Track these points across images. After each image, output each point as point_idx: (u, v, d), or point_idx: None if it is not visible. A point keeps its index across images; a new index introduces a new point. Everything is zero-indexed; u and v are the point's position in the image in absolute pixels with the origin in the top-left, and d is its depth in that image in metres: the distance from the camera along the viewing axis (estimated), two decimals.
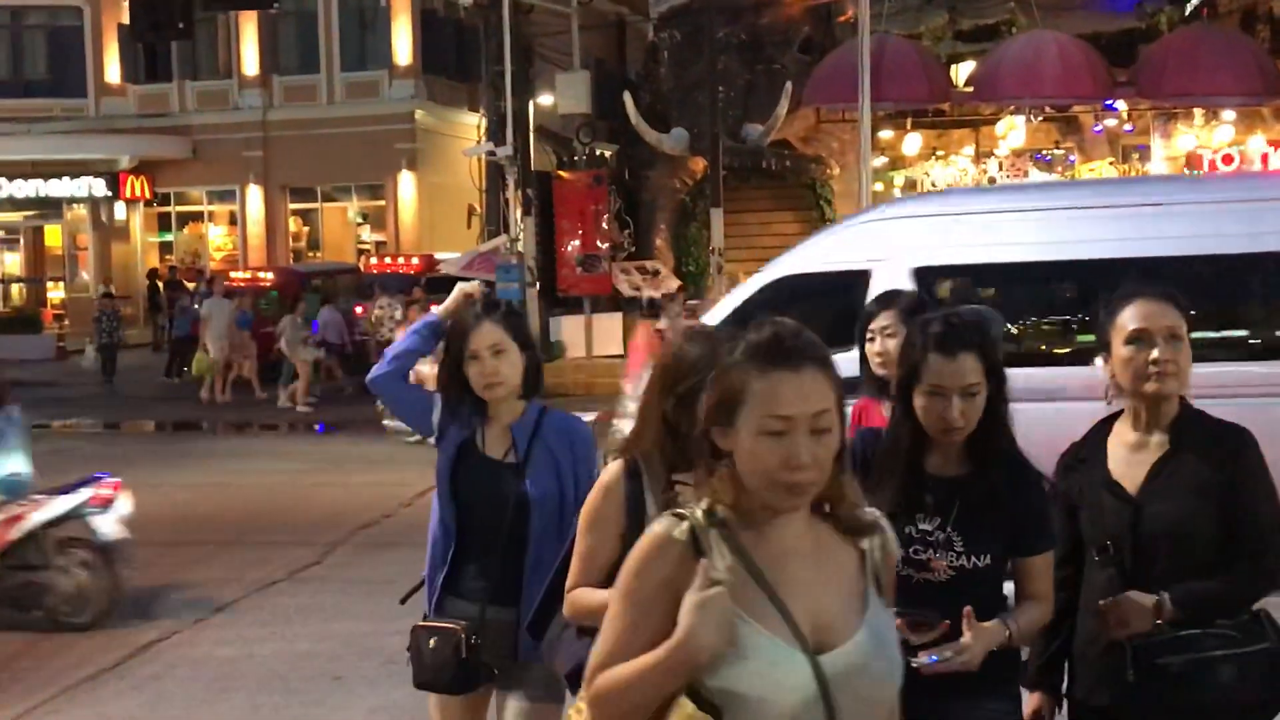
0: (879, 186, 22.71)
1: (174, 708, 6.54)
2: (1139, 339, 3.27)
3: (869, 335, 4.41)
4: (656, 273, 21.73)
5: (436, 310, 4.13)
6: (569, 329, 21.58)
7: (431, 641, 3.89)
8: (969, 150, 23.93)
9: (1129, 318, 3.31)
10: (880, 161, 22.93)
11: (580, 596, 3.17)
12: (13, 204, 34.36)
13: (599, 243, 21.93)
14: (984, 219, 8.60)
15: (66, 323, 31.62)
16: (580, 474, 3.84)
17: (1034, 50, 20.72)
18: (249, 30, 32.86)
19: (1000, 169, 23.75)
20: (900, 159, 23.89)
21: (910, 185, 24.34)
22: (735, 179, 21.60)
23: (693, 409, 2.49)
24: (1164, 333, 3.27)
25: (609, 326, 21.44)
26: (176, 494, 12.74)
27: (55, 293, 34.71)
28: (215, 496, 12.73)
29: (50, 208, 34.76)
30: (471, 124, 32.58)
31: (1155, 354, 3.25)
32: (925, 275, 7.98)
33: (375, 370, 4.21)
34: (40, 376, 22.99)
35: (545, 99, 23.94)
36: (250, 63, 33.21)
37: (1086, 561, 3.40)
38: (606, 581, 2.86)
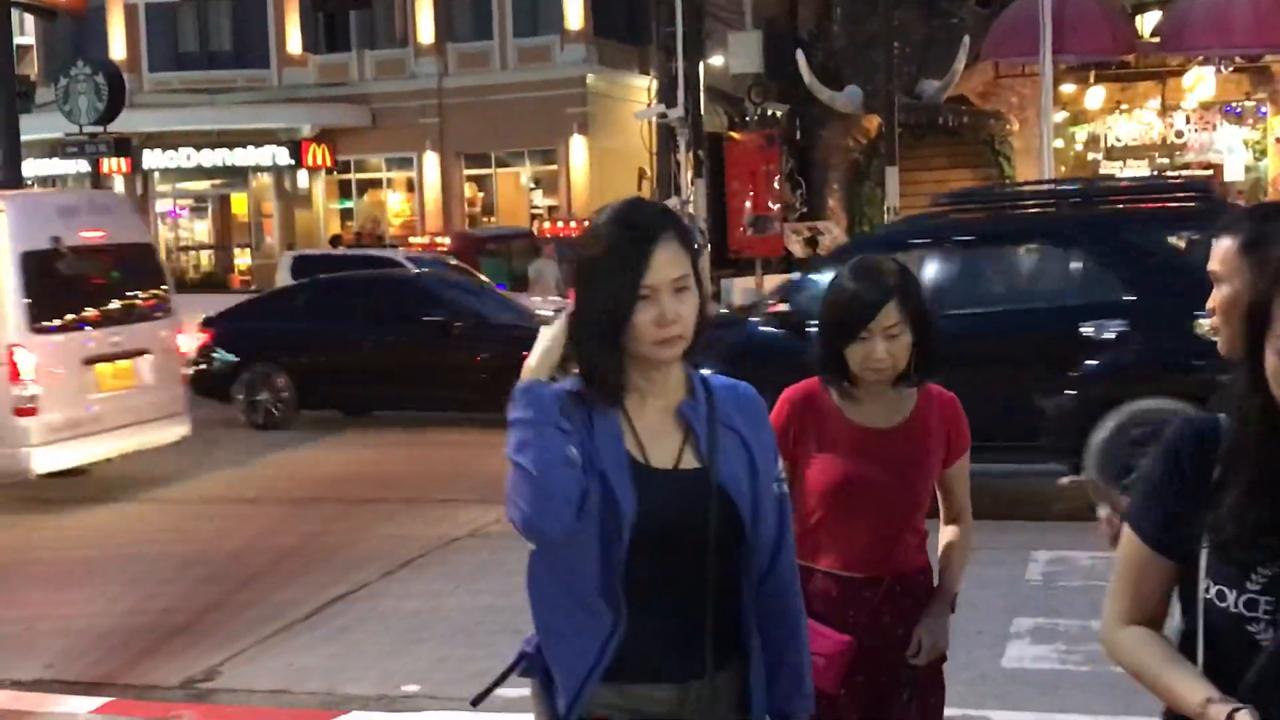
0: (1060, 143, 22.12)
1: (363, 658, 6.69)
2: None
3: (863, 334, 3.21)
4: (829, 233, 21.52)
5: (527, 372, 2.46)
6: (740, 290, 21.53)
7: None
8: (1154, 104, 23.17)
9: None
10: (1061, 116, 22.33)
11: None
12: (201, 173, 35.54)
13: (770, 203, 21.81)
14: None
15: (254, 288, 32.66)
16: (767, 454, 2.57)
17: None
18: None
19: (1188, 122, 22.94)
20: (1082, 113, 23.24)
21: (1092, 141, 23.66)
22: (910, 136, 21.24)
23: None
24: None
25: None
26: (364, 452, 13.09)
27: (242, 259, 35.83)
28: (398, 455, 13.01)
29: (236, 176, 35.86)
30: (642, 87, 32.63)
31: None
32: None
33: (536, 514, 2.36)
34: None
35: (716, 60, 23.83)
36: (426, 31, 33.71)
37: None
38: None
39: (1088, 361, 8.55)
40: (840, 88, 21.45)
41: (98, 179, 27.72)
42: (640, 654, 2.43)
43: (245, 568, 8.54)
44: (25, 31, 35.97)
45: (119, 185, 34.92)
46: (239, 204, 37.11)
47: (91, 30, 33.15)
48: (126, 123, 27.04)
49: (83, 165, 27.86)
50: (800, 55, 21.75)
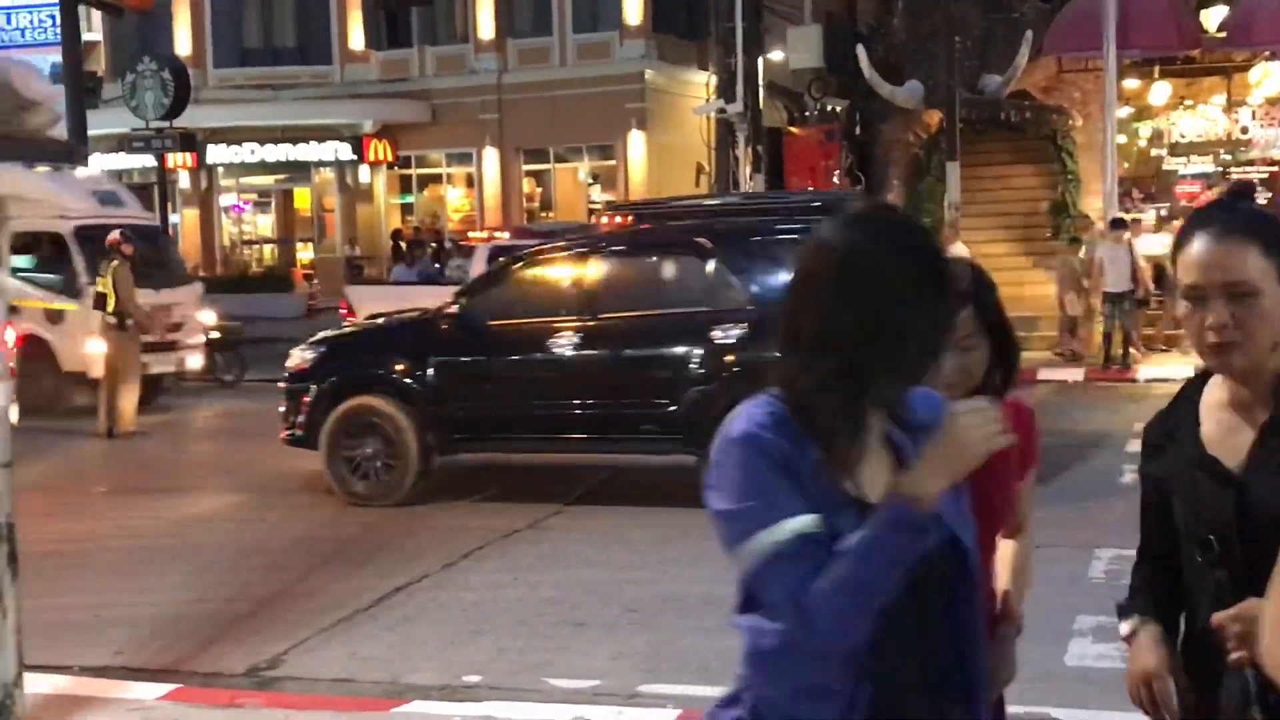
0: (1123, 138, 21.89)
1: (425, 648, 6.75)
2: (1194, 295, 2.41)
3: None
4: None
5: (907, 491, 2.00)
6: None
7: None
8: (1219, 99, 22.84)
9: (1184, 265, 2.42)
10: (1125, 112, 22.09)
11: None
12: (264, 168, 35.89)
13: None
14: None
15: (316, 282, 32.96)
16: None
17: None
18: None
19: (1253, 118, 22.62)
20: (1146, 109, 22.97)
21: (1156, 136, 23.40)
22: (972, 132, 21.07)
23: None
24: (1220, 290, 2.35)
25: None
26: None
27: (305, 253, 36.18)
28: None
29: (299, 171, 36.18)
30: (700, 82, 32.55)
31: (1211, 319, 2.38)
32: None
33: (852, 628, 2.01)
34: (291, 333, 23.95)
35: (775, 54, 23.78)
36: (486, 27, 33.85)
37: (1186, 563, 2.55)
38: None
39: (718, 362, 9.39)
40: (900, 82, 21.32)
41: (163, 173, 28.08)
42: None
43: (307, 557, 8.65)
44: (93, 28, 36.43)
45: (184, 180, 35.36)
46: (301, 199, 37.44)
47: (158, 26, 33.57)
48: (191, 118, 27.35)
49: (149, 160, 28.26)
50: (860, 49, 21.64)
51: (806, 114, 23.26)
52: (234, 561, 8.62)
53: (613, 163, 33.61)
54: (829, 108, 23.28)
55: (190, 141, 27.19)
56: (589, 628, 7.03)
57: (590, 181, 34.96)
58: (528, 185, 35.19)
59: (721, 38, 22.36)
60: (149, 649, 6.78)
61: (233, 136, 34.44)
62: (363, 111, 34.56)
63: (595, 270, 10.07)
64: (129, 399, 14.13)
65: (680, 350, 9.64)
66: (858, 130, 23.33)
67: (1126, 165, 22.33)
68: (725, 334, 9.41)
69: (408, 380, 10.10)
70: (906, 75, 21.51)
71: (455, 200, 36.12)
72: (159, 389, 16.51)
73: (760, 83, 21.58)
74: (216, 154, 34.83)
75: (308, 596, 7.74)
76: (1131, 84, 21.87)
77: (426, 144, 35.06)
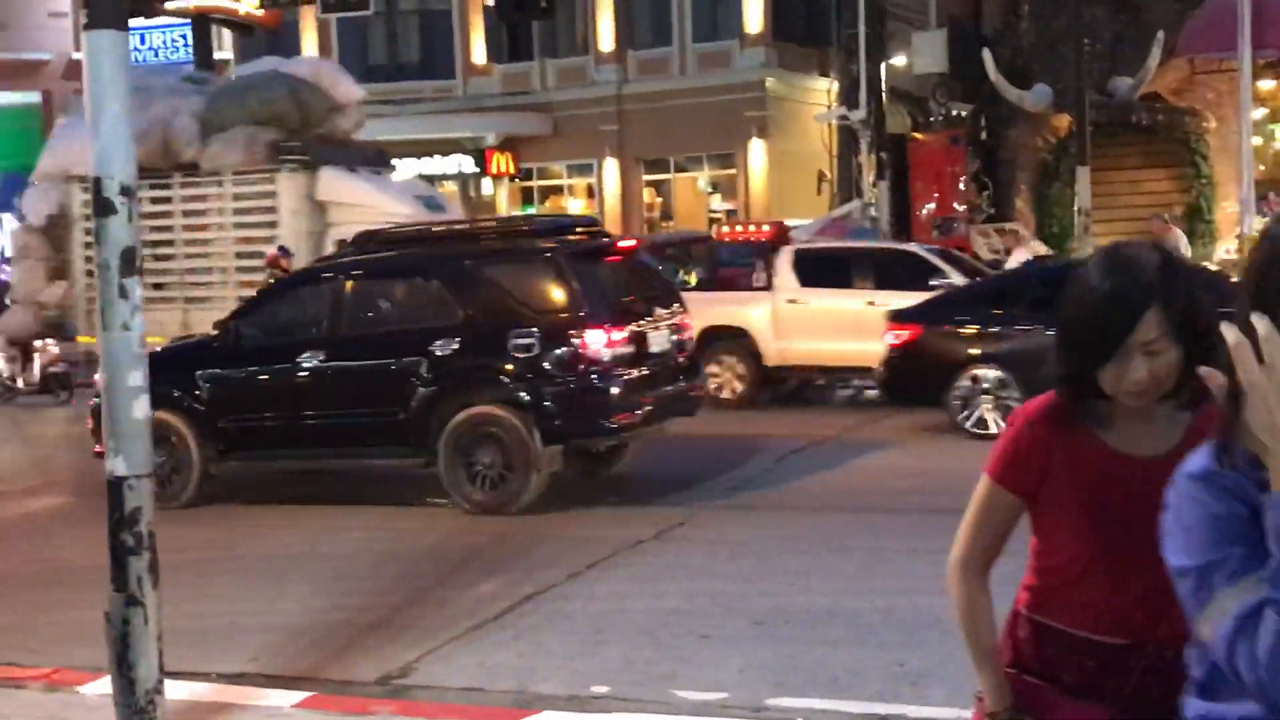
0: (1258, 140, 21.31)
1: (553, 658, 6.76)
2: None
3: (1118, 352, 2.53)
4: (1016, 234, 21.09)
5: None
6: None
7: None
8: None
9: None
10: (1260, 113, 21.50)
11: None
12: None
13: (956, 205, 21.48)
14: None
15: None
16: None
17: None
18: (604, 6, 33.66)
19: None
20: None
21: None
22: (1102, 135, 20.69)
23: None
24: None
25: None
26: None
27: None
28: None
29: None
30: (822, 89, 32.39)
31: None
32: None
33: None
34: None
35: (899, 59, 23.55)
36: (606, 38, 34.02)
37: None
38: None
39: (437, 373, 10.35)
40: (1028, 86, 21.01)
41: None
42: None
43: (435, 566, 8.72)
44: (223, 46, 37.33)
45: None
46: None
47: (285, 44, 34.26)
48: None
49: None
50: (986, 54, 21.36)
51: (931, 119, 23.02)
52: (365, 570, 8.72)
53: (733, 171, 33.55)
54: (954, 113, 23.02)
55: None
56: (715, 639, 6.98)
57: (710, 190, 34.94)
58: (648, 195, 35.27)
59: (844, 44, 22.26)
60: (283, 656, 6.88)
61: None
62: (485, 125, 34.92)
63: (340, 294, 11.00)
64: None
65: (406, 363, 10.51)
66: (983, 135, 23.03)
67: (1262, 168, 21.73)
68: (443, 348, 10.32)
69: (190, 395, 11.03)
70: (1034, 79, 21.20)
71: (576, 211, 36.33)
72: None
73: (883, 88, 21.38)
74: None
75: (437, 605, 7.80)
76: (1266, 85, 21.31)
77: (548, 156, 35.31)
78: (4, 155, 46.23)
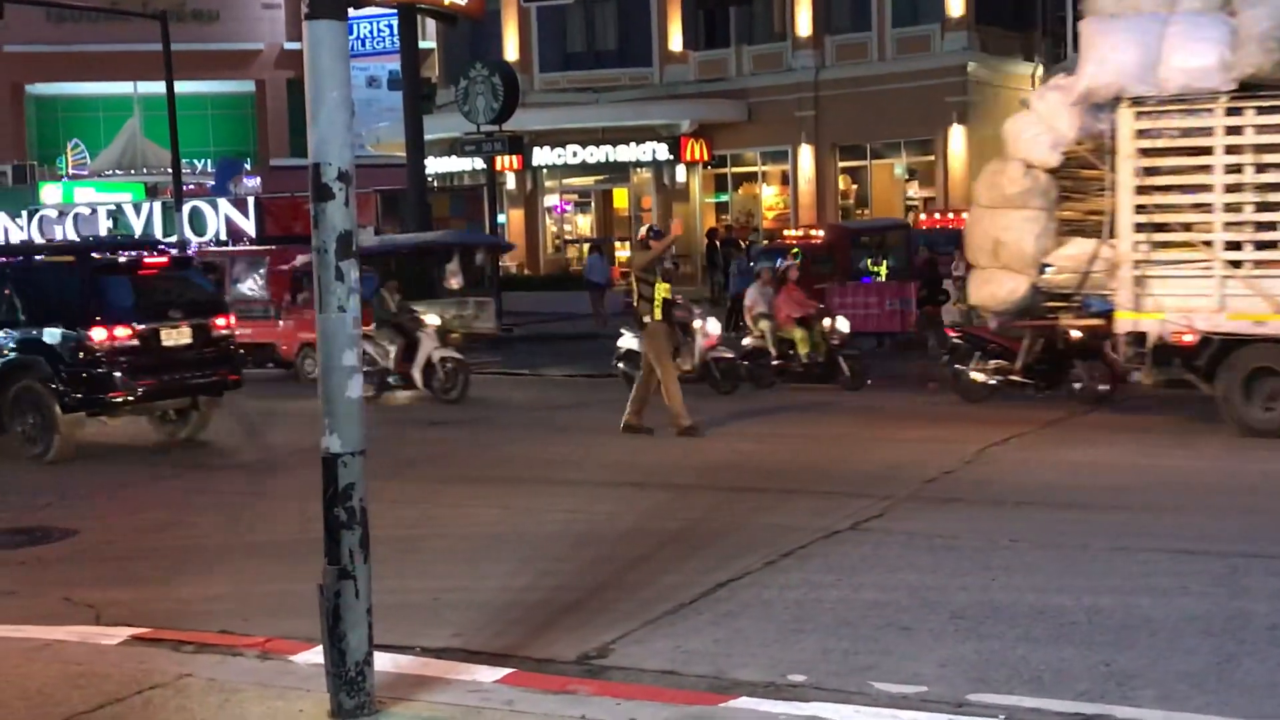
0: None
1: (749, 645, 6.75)
2: None
3: None
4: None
5: None
6: None
7: None
8: None
9: None
10: None
11: None
12: (584, 169, 36.86)
13: None
14: None
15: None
16: None
17: None
18: None
19: None
20: None
21: None
22: None
23: None
24: None
25: None
26: (742, 444, 13.25)
27: (621, 252, 36.99)
28: (776, 447, 13.10)
29: (617, 172, 37.01)
30: (1025, 74, 31.69)
31: None
32: None
33: None
34: (608, 331, 24.50)
35: None
36: (803, 24, 33.80)
37: None
38: None
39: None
40: None
41: (492, 176, 29.15)
42: None
43: (632, 549, 8.79)
44: (427, 36, 38.19)
45: (510, 181, 36.65)
46: (620, 198, 38.27)
47: (487, 33, 34.92)
48: (518, 121, 28.34)
49: (478, 163, 29.41)
50: None
51: None
52: (564, 551, 8.84)
53: (931, 158, 33.04)
54: None
55: (518, 144, 28.17)
56: (915, 632, 6.88)
57: (906, 177, 34.46)
58: (843, 182, 34.98)
59: (1050, 28, 21.68)
60: (484, 633, 7.01)
61: (556, 139, 35.50)
62: (680, 112, 35.05)
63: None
64: None
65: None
66: None
67: None
68: (5, 339, 13.99)
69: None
70: None
71: (770, 198, 36.23)
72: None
73: None
74: (541, 156, 35.98)
75: (634, 588, 7.86)
76: None
77: (742, 142, 35.29)
78: (218, 142, 48.17)
